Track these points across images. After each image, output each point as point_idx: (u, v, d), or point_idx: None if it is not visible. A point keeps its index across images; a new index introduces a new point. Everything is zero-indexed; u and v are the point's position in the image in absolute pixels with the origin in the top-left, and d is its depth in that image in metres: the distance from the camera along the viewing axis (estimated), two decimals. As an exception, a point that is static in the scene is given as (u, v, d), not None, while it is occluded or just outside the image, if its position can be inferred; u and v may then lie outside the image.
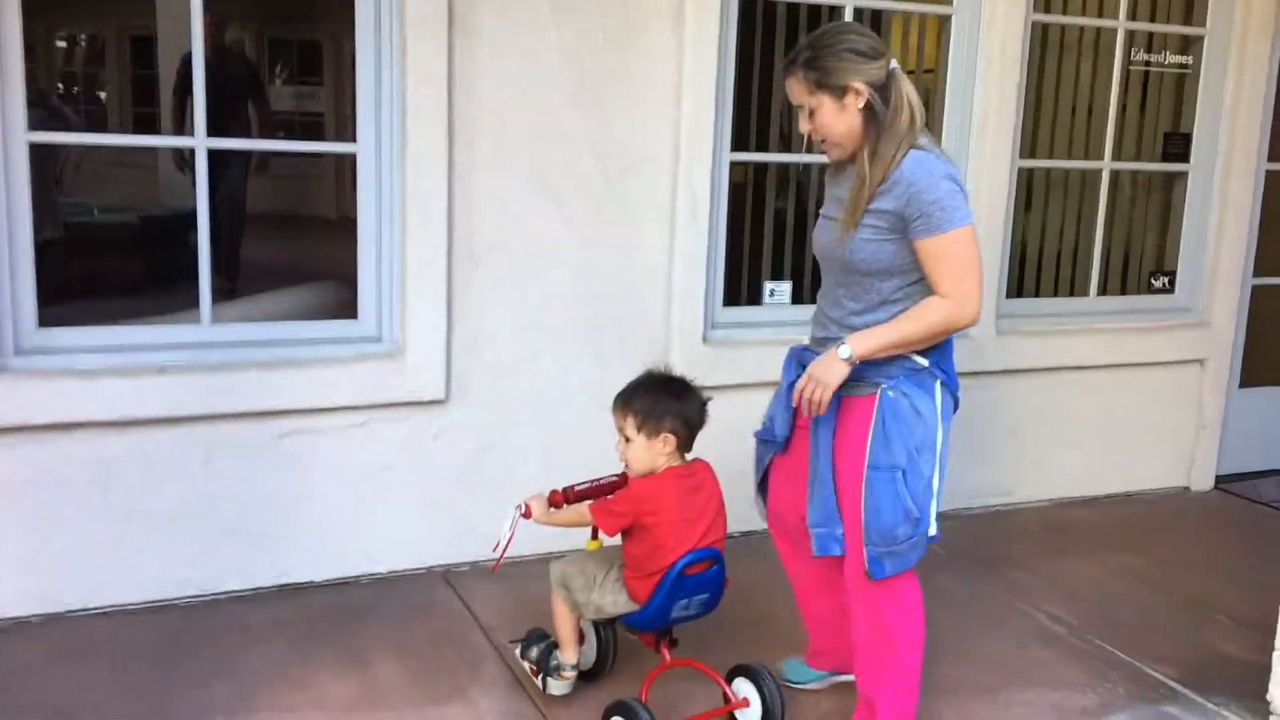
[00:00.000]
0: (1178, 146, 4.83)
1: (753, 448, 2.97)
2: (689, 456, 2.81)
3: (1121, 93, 4.66)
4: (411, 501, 3.70)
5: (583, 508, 2.74)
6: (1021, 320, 4.56)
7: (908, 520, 2.56)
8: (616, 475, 2.83)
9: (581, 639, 2.97)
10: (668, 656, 2.82)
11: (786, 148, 4.74)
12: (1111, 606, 3.72)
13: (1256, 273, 5.00)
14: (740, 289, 4.17)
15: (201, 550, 3.46)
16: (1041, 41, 4.56)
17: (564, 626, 2.91)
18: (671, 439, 2.70)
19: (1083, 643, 3.45)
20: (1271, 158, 4.88)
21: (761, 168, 4.12)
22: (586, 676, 3.01)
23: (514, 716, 2.91)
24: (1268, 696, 2.93)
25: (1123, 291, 4.92)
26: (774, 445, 2.84)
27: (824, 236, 2.67)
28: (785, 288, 4.17)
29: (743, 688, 2.82)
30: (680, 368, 3.94)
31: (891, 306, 2.56)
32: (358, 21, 3.47)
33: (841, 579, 2.73)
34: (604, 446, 3.88)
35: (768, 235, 4.23)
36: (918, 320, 2.50)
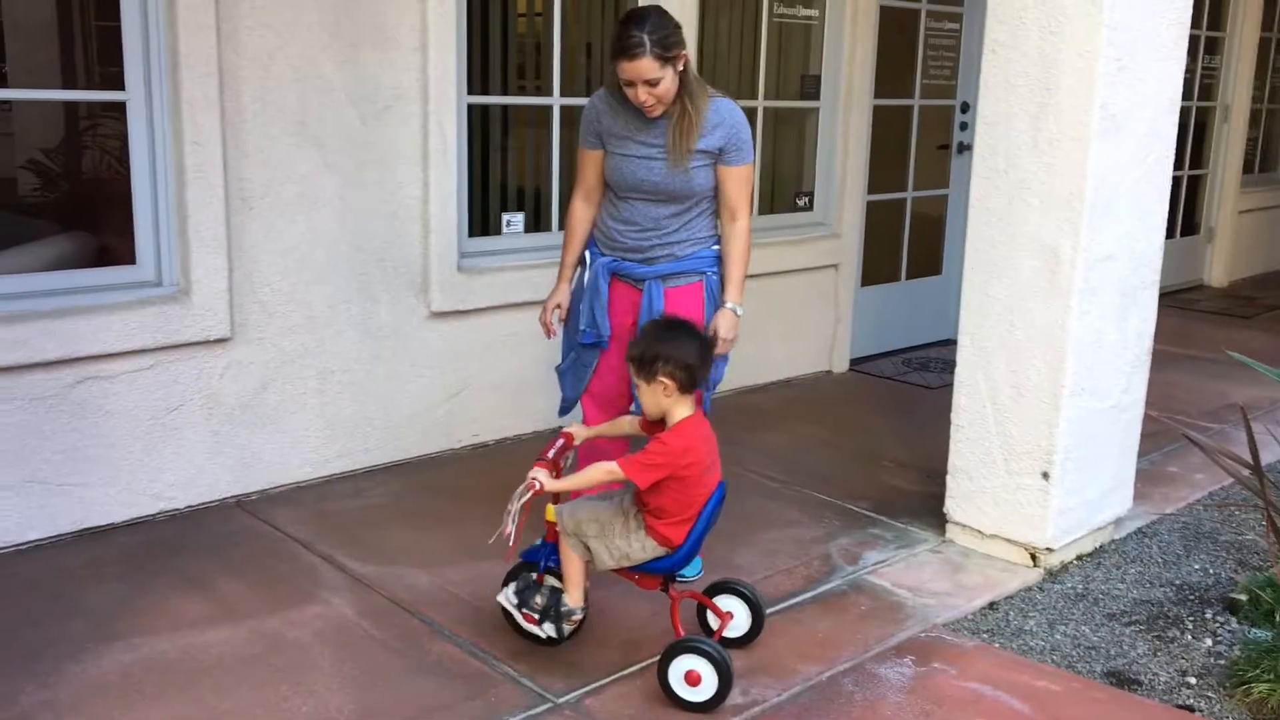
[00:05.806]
0: (810, 86, 5.77)
1: (563, 363, 3.47)
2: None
3: (767, 42, 5.50)
4: (201, 438, 3.86)
5: (610, 465, 2.73)
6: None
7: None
8: (561, 437, 2.94)
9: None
10: (675, 592, 2.94)
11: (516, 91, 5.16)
12: (807, 463, 4.60)
13: (869, 190, 6.09)
14: (479, 221, 4.59)
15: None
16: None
17: (573, 570, 2.89)
18: (669, 384, 2.73)
19: (794, 493, 4.29)
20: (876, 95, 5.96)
21: (486, 108, 4.53)
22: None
23: (370, 608, 3.26)
24: (945, 510, 3.89)
25: (773, 210, 5.82)
26: (601, 345, 3.35)
27: (648, 172, 3.21)
28: (520, 218, 4.65)
29: (725, 602, 3.02)
30: (439, 295, 4.36)
31: (700, 218, 3.27)
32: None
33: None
34: (373, 374, 4.24)
35: (496, 171, 4.66)
36: (746, 250, 3.28)
